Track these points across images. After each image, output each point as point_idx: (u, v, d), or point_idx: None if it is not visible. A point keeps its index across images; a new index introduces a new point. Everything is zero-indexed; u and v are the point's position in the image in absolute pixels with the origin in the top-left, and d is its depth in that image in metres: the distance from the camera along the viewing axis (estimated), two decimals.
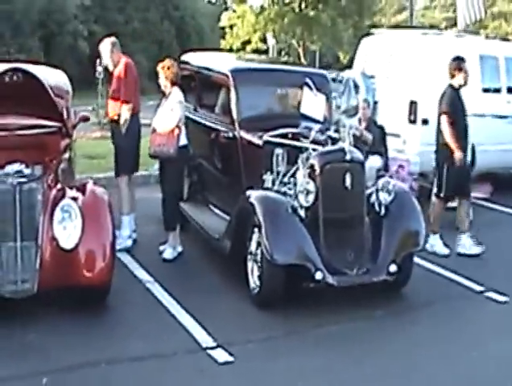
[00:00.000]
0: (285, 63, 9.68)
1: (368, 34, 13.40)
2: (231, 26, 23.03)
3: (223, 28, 23.76)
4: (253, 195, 7.08)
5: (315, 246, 6.77)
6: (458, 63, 8.99)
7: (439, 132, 9.00)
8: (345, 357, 6.12)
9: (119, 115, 8.57)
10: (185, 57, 10.11)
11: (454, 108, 8.87)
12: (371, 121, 11.41)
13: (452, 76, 9.02)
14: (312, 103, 8.39)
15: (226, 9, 23.19)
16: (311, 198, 6.89)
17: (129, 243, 8.58)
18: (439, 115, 8.96)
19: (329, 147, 7.33)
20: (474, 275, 8.10)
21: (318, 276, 6.60)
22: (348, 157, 7.01)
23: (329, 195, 6.98)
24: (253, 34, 22.49)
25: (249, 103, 8.30)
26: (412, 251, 7.33)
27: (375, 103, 12.13)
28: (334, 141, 7.75)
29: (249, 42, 22.97)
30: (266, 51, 24.71)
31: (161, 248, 8.30)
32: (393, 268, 6.94)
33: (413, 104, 11.39)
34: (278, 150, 7.58)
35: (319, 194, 6.93)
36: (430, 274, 8.25)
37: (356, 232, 7.08)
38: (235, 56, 9.90)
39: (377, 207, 7.29)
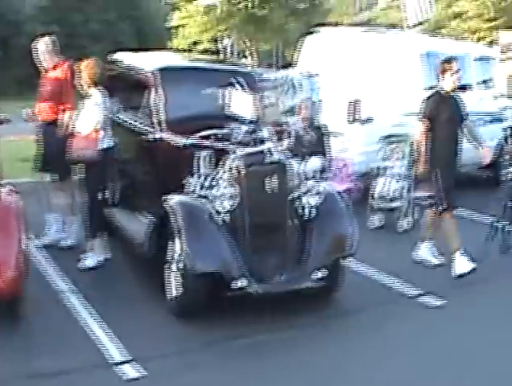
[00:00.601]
0: (218, 61, 9.31)
1: (311, 32, 13.11)
2: (180, 27, 22.55)
3: (170, 29, 23.21)
4: (172, 200, 6.76)
5: (237, 253, 6.46)
6: (443, 63, 8.24)
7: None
8: (265, 370, 5.80)
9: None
10: (115, 56, 9.73)
11: (435, 113, 8.13)
12: (311, 121, 11.14)
13: (441, 78, 8.30)
14: (241, 102, 8.05)
15: (176, 8, 22.53)
16: (230, 202, 6.58)
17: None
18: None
19: (251, 148, 6.98)
20: (412, 278, 7.84)
21: (239, 284, 6.31)
22: (269, 158, 6.70)
23: (251, 199, 6.67)
24: (203, 34, 22.01)
25: (175, 103, 7.94)
26: (341, 256, 7.03)
27: (318, 102, 11.85)
28: (261, 142, 7.43)
29: (198, 42, 22.50)
30: (217, 52, 24.39)
31: (84, 255, 7.94)
32: (319, 274, 6.65)
33: (355, 102, 11.14)
34: (202, 153, 7.25)
35: (240, 198, 6.61)
36: (366, 278, 7.98)
37: (280, 238, 6.78)
38: (168, 55, 9.51)
39: (304, 211, 6.98)
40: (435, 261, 8.44)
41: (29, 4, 45.46)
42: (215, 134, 7.51)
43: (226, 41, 24.31)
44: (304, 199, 6.96)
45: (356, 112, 11.12)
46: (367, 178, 10.97)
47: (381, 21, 50.62)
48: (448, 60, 8.27)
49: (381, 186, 9.91)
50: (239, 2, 21.21)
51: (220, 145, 7.27)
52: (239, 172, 6.68)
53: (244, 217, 6.62)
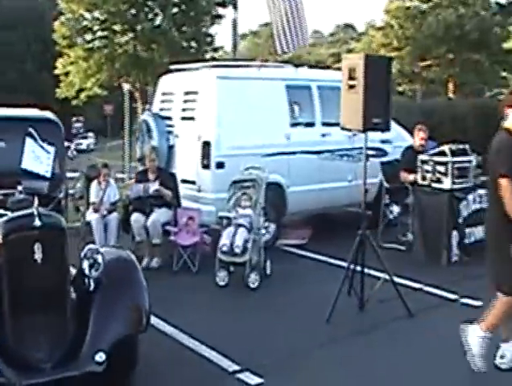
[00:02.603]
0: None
1: (168, 71, 12.13)
2: (67, 74, 21.45)
3: (57, 76, 22.06)
4: None
5: None
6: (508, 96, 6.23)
7: (493, 200, 5.93)
8: None
9: None
10: None
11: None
12: (163, 170, 10.20)
13: (506, 116, 6.01)
14: (37, 156, 7.03)
15: (60, 54, 21.34)
16: None
17: None
18: (496, 177, 5.75)
19: (18, 212, 5.86)
20: (234, 351, 6.73)
21: None
22: (37, 223, 5.58)
23: (15, 272, 5.52)
24: (87, 79, 20.91)
25: None
26: (131, 332, 5.91)
27: (171, 147, 10.88)
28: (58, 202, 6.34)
29: (85, 89, 21.40)
30: (106, 96, 23.44)
31: None
32: (101, 357, 5.51)
33: (206, 145, 10.13)
34: None
35: (1, 271, 5.50)
36: (181, 350, 6.87)
37: (53, 316, 5.63)
38: None
39: (84, 283, 5.88)
40: (477, 363, 6.06)
41: None
42: None
43: (126, 86, 23.30)
44: (85, 268, 5.86)
45: (206, 156, 10.10)
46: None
47: (305, 59, 50.33)
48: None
49: (227, 237, 8.84)
50: (121, 46, 20.27)
51: None
52: (3, 239, 5.53)
53: (7, 293, 5.49)
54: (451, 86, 27.30)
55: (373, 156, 11.85)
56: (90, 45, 20.17)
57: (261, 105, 10.59)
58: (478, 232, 10.06)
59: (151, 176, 10.01)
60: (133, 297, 5.95)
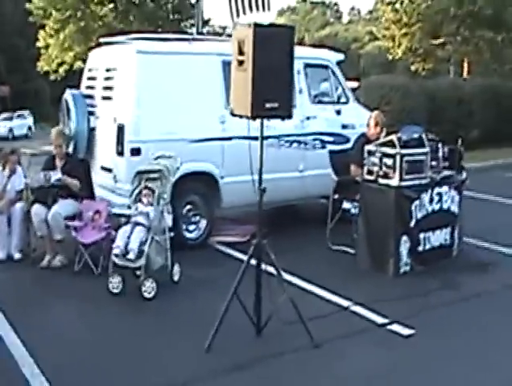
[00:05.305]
0: None
1: (98, 44, 10.76)
2: (47, 47, 20.23)
3: (39, 48, 20.84)
4: None
5: None
6: None
7: None
8: None
9: None
10: None
11: None
12: (72, 157, 8.98)
13: None
14: None
15: (42, 26, 20.04)
16: None
17: None
18: None
19: None
20: None
21: None
22: None
23: None
24: (64, 53, 19.56)
25: None
26: None
27: (92, 130, 9.60)
28: None
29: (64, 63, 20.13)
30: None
31: None
32: None
33: (120, 129, 8.81)
34: None
35: None
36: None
37: None
38: None
39: None
40: None
41: None
42: None
43: None
44: None
45: (120, 141, 8.80)
46: None
47: (341, 36, 48.38)
48: None
49: (121, 238, 7.54)
50: (101, 18, 18.95)
51: None
52: None
53: None
54: (465, 66, 25.55)
55: (331, 142, 10.56)
56: (63, 17, 18.85)
57: (191, 84, 9.21)
58: (436, 238, 8.69)
59: (59, 163, 8.78)
60: None
